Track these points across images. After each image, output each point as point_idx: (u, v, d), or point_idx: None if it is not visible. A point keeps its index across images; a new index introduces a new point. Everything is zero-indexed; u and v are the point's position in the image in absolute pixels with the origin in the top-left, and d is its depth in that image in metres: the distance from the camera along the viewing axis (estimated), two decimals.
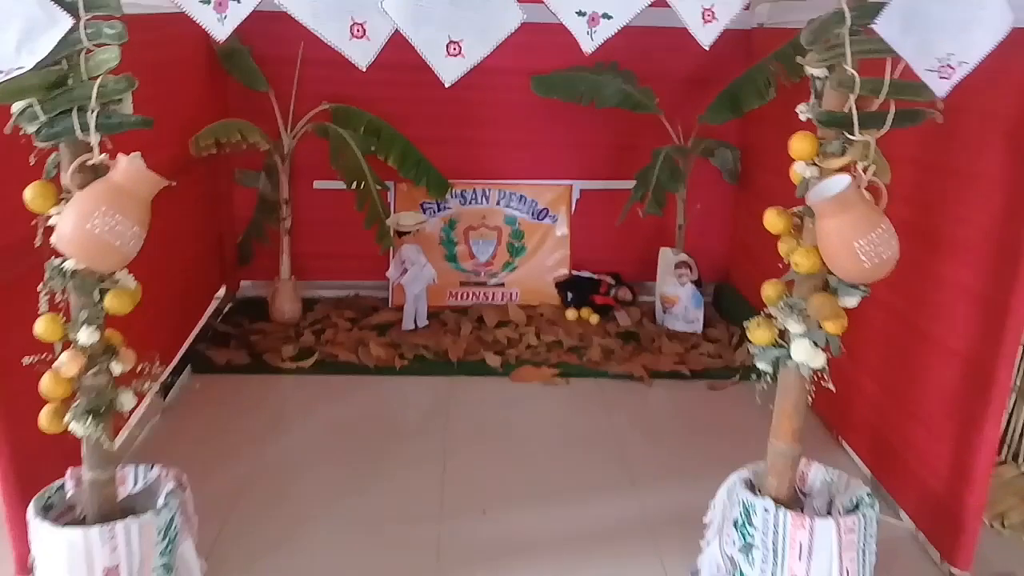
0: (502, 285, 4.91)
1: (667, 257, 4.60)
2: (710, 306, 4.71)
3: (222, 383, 3.87)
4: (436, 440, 3.44)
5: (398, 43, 2.06)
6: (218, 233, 4.70)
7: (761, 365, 2.27)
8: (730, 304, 4.77)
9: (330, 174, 4.36)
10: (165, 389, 3.67)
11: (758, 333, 2.24)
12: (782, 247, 2.22)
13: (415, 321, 4.45)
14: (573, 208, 4.94)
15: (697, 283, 4.54)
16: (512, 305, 4.74)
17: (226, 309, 4.68)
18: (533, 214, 4.92)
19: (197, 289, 4.39)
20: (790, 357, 2.21)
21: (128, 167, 1.91)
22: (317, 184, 4.75)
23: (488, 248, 4.92)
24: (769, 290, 2.25)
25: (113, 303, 2.04)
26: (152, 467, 2.36)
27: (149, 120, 1.98)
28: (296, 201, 4.71)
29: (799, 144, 2.11)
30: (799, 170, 2.14)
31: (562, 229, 4.94)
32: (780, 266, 2.24)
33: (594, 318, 4.61)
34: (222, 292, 4.81)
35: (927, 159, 2.77)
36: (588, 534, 2.86)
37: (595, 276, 4.87)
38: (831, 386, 2.21)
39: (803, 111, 2.15)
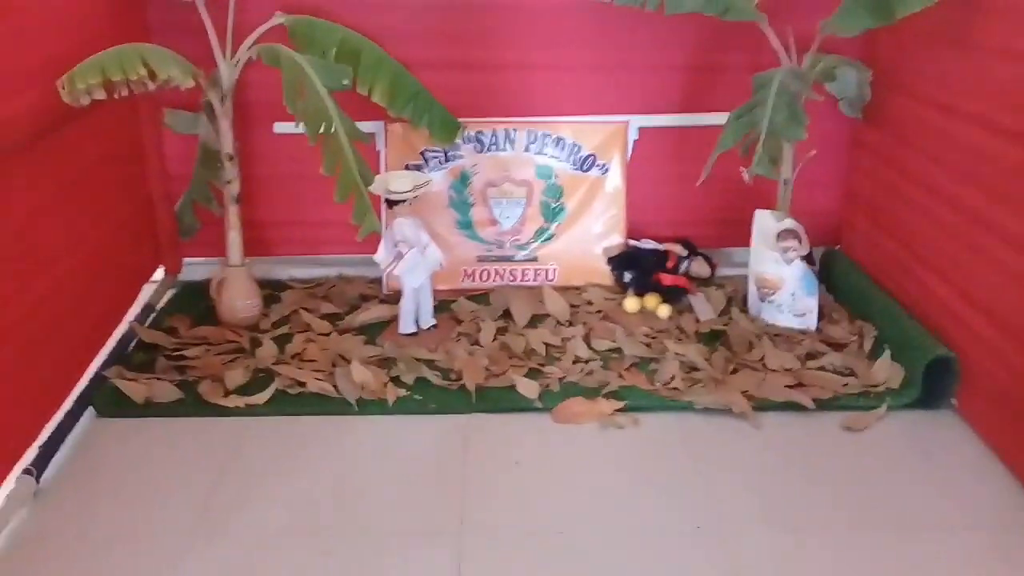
0: (534, 260, 3.64)
1: (766, 223, 3.30)
2: (822, 288, 3.42)
3: (136, 435, 2.67)
4: (445, 536, 2.24)
5: None
6: (147, 198, 3.45)
7: None
8: (843, 278, 3.50)
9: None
10: (41, 460, 2.45)
11: None
12: None
13: (416, 322, 3.22)
14: (629, 153, 3.64)
15: (808, 259, 3.26)
16: (548, 289, 3.48)
17: (162, 303, 3.47)
18: (575, 163, 3.62)
19: (116, 279, 3.17)
20: None
21: None
22: (279, 128, 3.48)
23: (515, 211, 3.64)
24: None
25: None
26: None
27: None
28: (252, 152, 3.49)
29: None
30: None
31: (615, 182, 3.64)
32: None
33: (663, 309, 3.35)
34: (161, 275, 3.61)
35: None
36: None
37: (660, 247, 3.60)
38: None
39: None
